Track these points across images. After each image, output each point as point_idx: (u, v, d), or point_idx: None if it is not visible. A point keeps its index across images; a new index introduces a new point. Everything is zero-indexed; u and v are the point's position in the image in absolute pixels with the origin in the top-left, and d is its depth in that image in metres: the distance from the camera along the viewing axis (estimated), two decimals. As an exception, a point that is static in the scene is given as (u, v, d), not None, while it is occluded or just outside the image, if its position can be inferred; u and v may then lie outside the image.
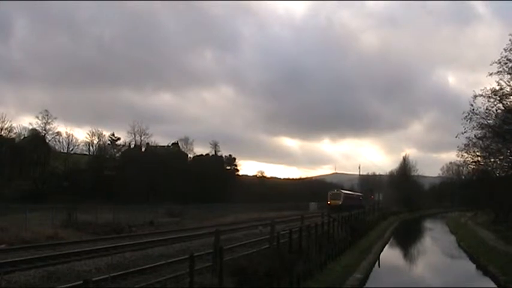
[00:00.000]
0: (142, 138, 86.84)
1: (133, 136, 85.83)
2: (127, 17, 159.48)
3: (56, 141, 75.58)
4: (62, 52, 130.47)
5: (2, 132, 69.70)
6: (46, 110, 72.69)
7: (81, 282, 8.22)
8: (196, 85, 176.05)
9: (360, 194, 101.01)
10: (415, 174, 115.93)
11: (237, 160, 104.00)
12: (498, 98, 32.01)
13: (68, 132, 78.29)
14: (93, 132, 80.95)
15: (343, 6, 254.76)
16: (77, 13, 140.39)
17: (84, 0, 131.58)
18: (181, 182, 75.39)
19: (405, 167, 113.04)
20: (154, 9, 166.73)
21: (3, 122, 69.10)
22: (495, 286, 23.04)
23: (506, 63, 30.23)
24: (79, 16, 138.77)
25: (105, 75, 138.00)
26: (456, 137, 35.19)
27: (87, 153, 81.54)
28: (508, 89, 31.48)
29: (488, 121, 33.61)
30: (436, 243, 47.83)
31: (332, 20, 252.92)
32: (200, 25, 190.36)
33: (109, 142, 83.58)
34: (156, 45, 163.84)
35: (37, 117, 71.76)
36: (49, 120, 71.98)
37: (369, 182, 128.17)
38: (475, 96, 32.27)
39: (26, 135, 74.45)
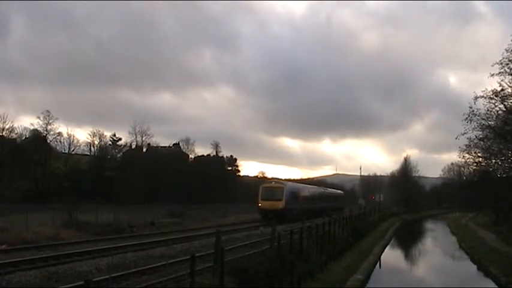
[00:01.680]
0: (143, 138, 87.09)
1: (135, 137, 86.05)
2: (126, 16, 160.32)
3: (57, 141, 75.77)
4: (61, 52, 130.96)
5: (4, 133, 69.85)
6: (47, 111, 72.85)
7: (82, 282, 8.22)
8: (196, 85, 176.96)
9: (338, 191, 79.14)
10: (416, 175, 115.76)
11: (238, 161, 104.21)
12: (499, 99, 31.96)
13: (69, 132, 78.47)
14: (94, 133, 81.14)
15: (343, 5, 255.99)
16: (75, 12, 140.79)
17: (83, 0, 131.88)
18: (183, 182, 75.43)
19: (406, 167, 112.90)
20: (153, 9, 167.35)
21: (4, 122, 69.31)
22: (496, 287, 23.01)
23: (507, 64, 30.16)
24: (78, 15, 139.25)
25: (105, 75, 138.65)
26: (456, 138, 35.12)
27: (88, 153, 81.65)
28: (510, 90, 31.40)
29: (490, 122, 33.53)
30: (437, 244, 47.80)
31: (332, 19, 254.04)
32: (199, 24, 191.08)
33: (110, 143, 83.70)
34: (155, 45, 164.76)
35: (38, 118, 71.92)
36: (50, 121, 72.13)
37: (369, 183, 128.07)
38: (476, 98, 32.24)
39: (27, 136, 74.59)
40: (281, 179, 56.19)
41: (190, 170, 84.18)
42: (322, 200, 56.95)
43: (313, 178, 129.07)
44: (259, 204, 42.00)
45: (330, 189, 72.87)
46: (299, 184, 60.40)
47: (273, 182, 46.26)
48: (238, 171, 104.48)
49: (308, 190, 54.25)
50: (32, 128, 73.48)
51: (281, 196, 41.66)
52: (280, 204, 40.78)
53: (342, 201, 72.55)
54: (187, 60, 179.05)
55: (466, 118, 32.80)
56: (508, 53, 29.99)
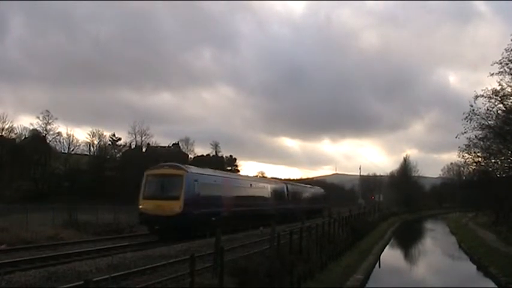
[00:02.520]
0: (143, 138, 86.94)
1: (134, 136, 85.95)
2: (125, 16, 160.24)
3: (56, 141, 75.77)
4: (60, 51, 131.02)
5: (3, 133, 69.86)
6: (47, 111, 72.89)
7: (82, 282, 8.21)
8: (196, 85, 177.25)
9: (315, 188, 63.36)
10: (416, 174, 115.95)
11: (237, 161, 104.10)
12: (499, 99, 32.05)
13: (69, 132, 78.45)
14: (93, 133, 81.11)
15: (342, 4, 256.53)
16: (74, 12, 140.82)
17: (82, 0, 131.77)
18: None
19: (406, 167, 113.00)
20: (152, 8, 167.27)
21: (4, 122, 69.31)
22: (496, 287, 23.03)
23: (507, 64, 30.26)
24: (77, 15, 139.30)
25: (104, 74, 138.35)
26: (456, 137, 35.26)
27: (88, 153, 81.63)
28: (509, 89, 31.54)
29: (489, 122, 33.66)
30: (436, 244, 47.82)
31: (331, 19, 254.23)
32: (199, 24, 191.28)
33: (110, 142, 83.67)
34: (154, 45, 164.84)
35: (38, 118, 71.94)
36: (50, 121, 72.13)
37: (369, 183, 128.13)
38: (476, 97, 32.34)
39: (26, 136, 74.58)
40: (188, 166, 29.72)
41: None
42: (279, 200, 40.59)
43: (312, 178, 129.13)
44: (140, 206, 25.20)
45: (297, 185, 55.72)
46: (223, 172, 37.81)
47: (166, 167, 27.28)
48: (238, 171, 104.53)
49: (242, 183, 35.10)
50: (31, 128, 73.61)
51: (178, 191, 24.60)
52: (176, 207, 24.06)
53: (320, 202, 57.97)
54: (187, 60, 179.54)
55: (466, 117, 32.94)
56: (508, 53, 30.13)
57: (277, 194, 41.14)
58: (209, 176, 29.51)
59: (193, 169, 28.00)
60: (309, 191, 56.68)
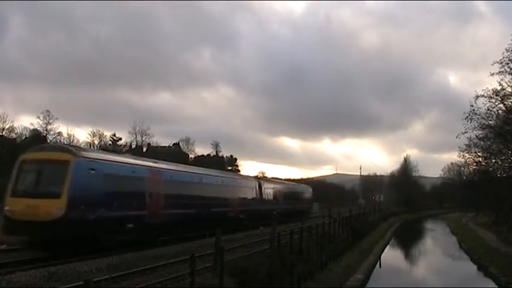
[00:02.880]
0: (143, 138, 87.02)
1: (135, 136, 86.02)
2: (125, 16, 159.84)
3: (57, 141, 75.55)
4: (60, 51, 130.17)
5: (3, 133, 69.81)
6: (47, 110, 72.48)
7: (82, 282, 8.22)
8: (196, 85, 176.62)
9: (302, 186, 57.48)
10: (416, 174, 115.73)
11: (238, 160, 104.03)
12: (499, 99, 32.04)
13: (69, 132, 78.31)
14: (94, 133, 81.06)
15: (342, 4, 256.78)
16: (74, 12, 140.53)
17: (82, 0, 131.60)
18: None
19: (406, 167, 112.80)
20: (152, 8, 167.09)
21: (4, 122, 69.21)
22: (496, 287, 23.03)
23: (507, 64, 30.27)
24: (77, 15, 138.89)
25: (104, 74, 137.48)
26: (457, 137, 35.24)
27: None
28: (510, 89, 31.51)
29: (490, 121, 33.64)
30: (437, 244, 47.81)
31: (331, 18, 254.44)
32: (198, 24, 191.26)
33: (110, 142, 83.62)
34: (154, 44, 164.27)
35: (38, 118, 71.81)
36: (50, 121, 72.03)
37: (370, 183, 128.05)
38: (477, 97, 32.33)
39: (27, 136, 74.54)
40: (83, 148, 24.17)
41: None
42: (246, 200, 34.51)
43: (313, 178, 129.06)
44: (6, 207, 17.43)
45: (275, 182, 47.86)
46: (152, 161, 25.34)
47: (47, 148, 20.54)
48: (239, 171, 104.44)
49: (183, 176, 25.77)
50: (31, 127, 73.46)
51: (59, 185, 17.07)
52: (55, 208, 16.56)
53: (306, 203, 52.14)
54: (187, 60, 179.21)
55: (467, 117, 32.92)
56: (508, 53, 30.13)
57: (244, 193, 34.38)
58: (121, 165, 20.23)
59: (90, 153, 19.95)
60: (292, 190, 49.53)
